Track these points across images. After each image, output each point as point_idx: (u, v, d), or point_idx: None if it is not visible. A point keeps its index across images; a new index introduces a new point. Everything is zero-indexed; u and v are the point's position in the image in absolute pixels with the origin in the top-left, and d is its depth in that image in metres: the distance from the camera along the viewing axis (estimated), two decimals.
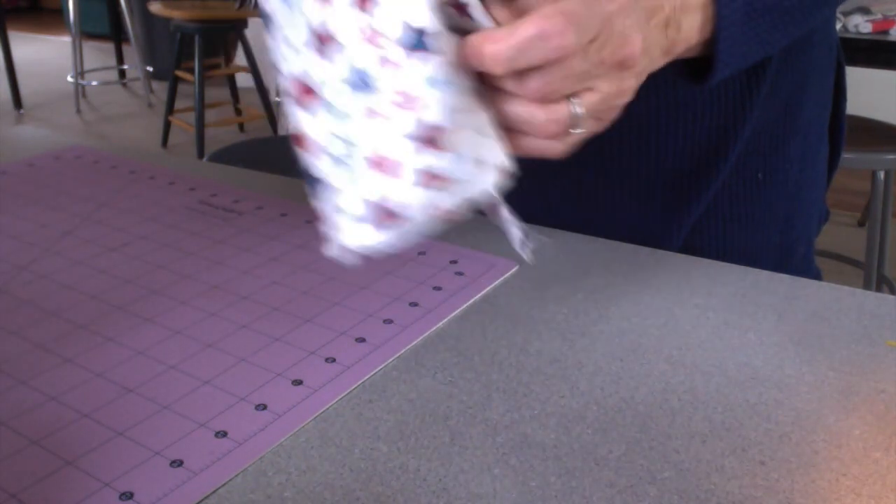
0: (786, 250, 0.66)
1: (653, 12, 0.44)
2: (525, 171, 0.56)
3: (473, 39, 0.37)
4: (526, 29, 0.36)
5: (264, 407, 0.41)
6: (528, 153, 0.41)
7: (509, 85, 0.38)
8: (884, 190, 1.90)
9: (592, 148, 0.59)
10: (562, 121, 0.40)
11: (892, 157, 1.77)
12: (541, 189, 0.63)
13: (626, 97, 0.42)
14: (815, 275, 0.69)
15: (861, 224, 2.77)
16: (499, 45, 0.37)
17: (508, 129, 0.40)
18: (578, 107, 0.40)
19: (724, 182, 0.61)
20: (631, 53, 0.39)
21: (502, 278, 0.54)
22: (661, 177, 0.60)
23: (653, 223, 0.61)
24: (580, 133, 0.41)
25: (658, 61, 0.45)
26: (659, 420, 0.40)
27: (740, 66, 0.51)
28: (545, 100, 0.39)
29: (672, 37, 0.46)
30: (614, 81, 0.40)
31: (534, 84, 0.38)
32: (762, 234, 0.64)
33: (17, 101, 4.35)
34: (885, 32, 1.89)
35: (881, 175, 1.88)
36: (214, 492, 0.36)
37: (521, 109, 0.39)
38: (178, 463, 0.37)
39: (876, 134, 1.87)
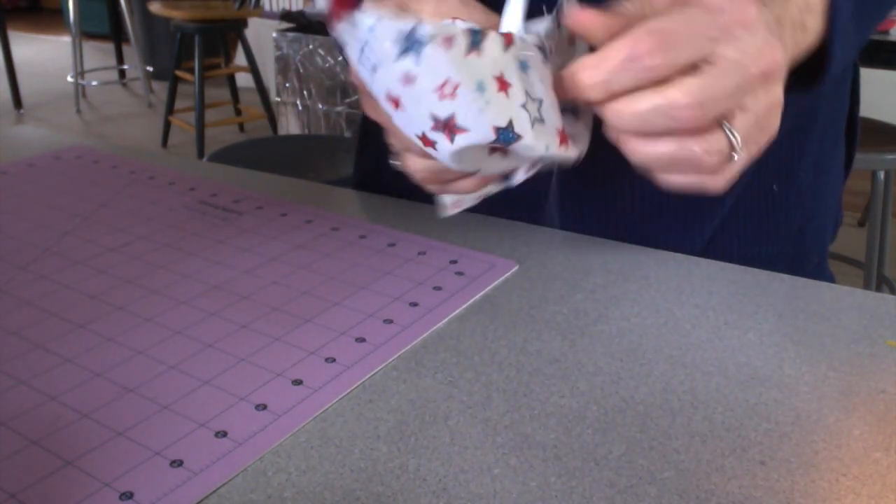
0: (798, 260, 0.64)
1: (782, 14, 0.42)
2: (542, 185, 0.56)
3: (568, 71, 0.38)
4: (616, 53, 0.37)
5: (264, 407, 0.41)
6: (687, 189, 0.41)
7: (659, 121, 0.38)
8: (884, 190, 1.90)
9: (608, 164, 0.59)
10: (720, 150, 0.39)
11: (892, 157, 1.77)
12: (553, 203, 0.62)
13: (777, 111, 0.40)
14: (829, 282, 0.68)
15: (861, 224, 2.77)
16: (591, 71, 0.37)
17: (667, 169, 0.40)
18: (733, 132, 0.39)
19: (738, 196, 0.60)
20: (773, 62, 0.38)
21: (502, 278, 0.54)
22: (675, 194, 0.60)
23: (667, 239, 0.60)
24: (739, 161, 0.40)
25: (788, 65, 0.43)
26: (659, 420, 0.40)
27: (846, 63, 0.48)
28: (699, 130, 0.38)
29: (799, 39, 0.43)
30: (761, 95, 0.39)
31: (685, 113, 0.37)
32: (776, 246, 0.63)
33: (17, 101, 4.35)
34: (885, 32, 1.89)
35: (881, 175, 1.88)
36: (214, 492, 0.36)
37: (676, 147, 0.39)
38: (178, 463, 0.37)
39: (876, 134, 1.87)
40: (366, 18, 0.39)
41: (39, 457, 0.38)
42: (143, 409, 0.41)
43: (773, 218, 0.62)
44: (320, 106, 3.23)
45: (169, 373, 0.44)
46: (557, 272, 0.55)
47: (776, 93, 0.40)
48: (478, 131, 0.39)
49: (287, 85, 3.28)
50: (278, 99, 3.35)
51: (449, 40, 0.38)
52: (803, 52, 0.45)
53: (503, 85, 0.39)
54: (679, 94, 0.37)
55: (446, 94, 0.39)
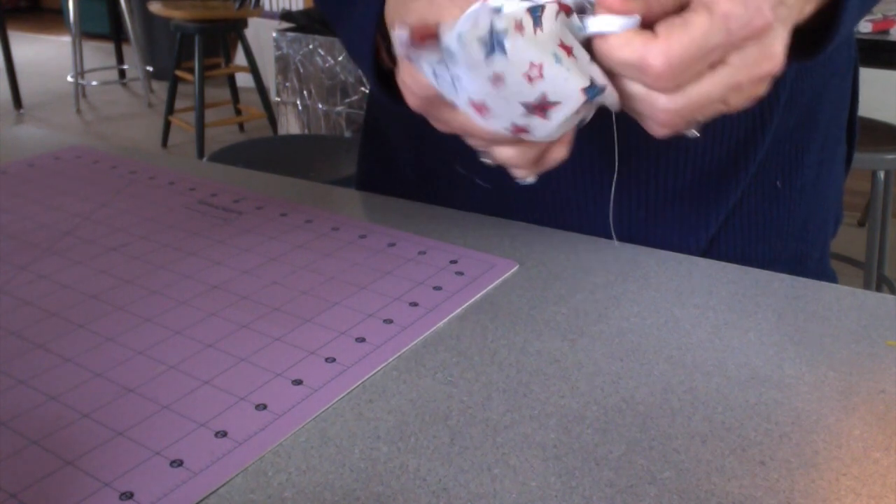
0: (800, 256, 0.64)
1: None
2: (544, 180, 0.56)
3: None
4: (629, 52, 0.38)
5: (264, 407, 0.41)
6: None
7: (639, 88, 0.39)
8: (884, 190, 1.90)
9: (611, 161, 0.59)
10: (686, 121, 0.40)
11: (892, 157, 1.77)
12: (559, 198, 0.62)
13: (765, 82, 0.40)
14: (830, 279, 0.68)
15: (861, 224, 2.77)
16: (605, 49, 0.39)
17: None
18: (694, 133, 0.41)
19: (742, 192, 0.60)
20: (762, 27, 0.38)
21: (502, 278, 0.54)
22: (680, 190, 0.59)
23: (671, 236, 0.61)
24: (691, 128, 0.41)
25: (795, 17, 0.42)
26: (659, 420, 0.40)
27: (848, 33, 0.49)
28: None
29: (804, 8, 0.43)
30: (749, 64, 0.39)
31: (661, 103, 0.39)
32: (779, 242, 0.63)
33: (17, 101, 4.36)
34: (885, 32, 1.89)
35: (881, 175, 1.88)
36: (214, 492, 0.36)
37: (644, 107, 0.40)
38: (178, 463, 0.37)
39: (876, 134, 1.87)
40: (450, 34, 0.40)
41: (39, 457, 0.38)
42: (143, 409, 0.41)
43: (776, 215, 0.62)
44: (320, 106, 3.23)
45: (169, 373, 0.44)
46: (557, 272, 0.55)
47: (769, 59, 0.40)
48: (569, 100, 0.41)
49: (287, 85, 3.28)
50: (278, 99, 3.35)
51: (520, 26, 0.39)
52: (807, 16, 0.44)
53: (568, 50, 0.40)
54: (665, 101, 0.39)
55: (534, 76, 0.40)
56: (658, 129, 0.41)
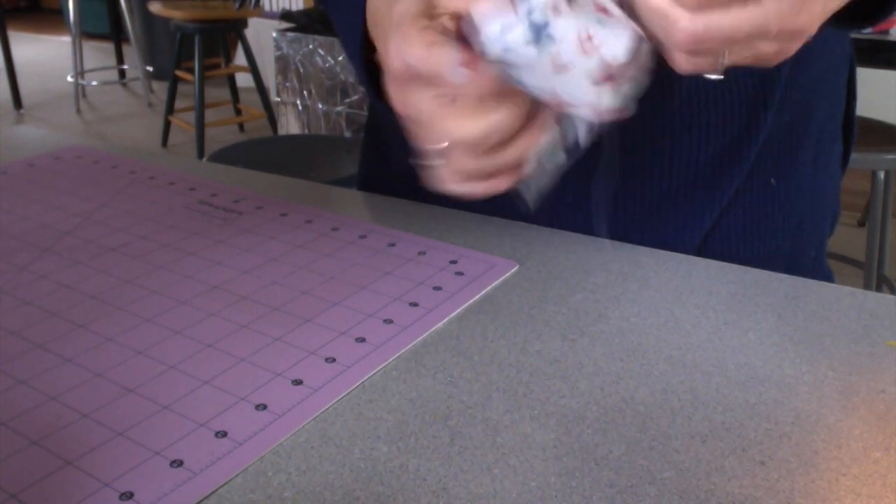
0: (796, 254, 0.64)
1: None
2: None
3: None
4: (658, 3, 0.36)
5: (264, 407, 0.41)
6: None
7: (656, 23, 0.38)
8: (884, 190, 1.90)
9: (605, 157, 0.59)
10: (698, 66, 0.39)
11: (892, 157, 1.77)
12: (553, 195, 0.62)
13: (810, 27, 0.38)
14: (826, 277, 0.68)
15: (861, 224, 2.77)
16: None
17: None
18: (724, 61, 0.39)
19: (737, 189, 0.60)
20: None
21: (502, 278, 0.54)
22: (674, 187, 0.59)
23: (665, 233, 0.61)
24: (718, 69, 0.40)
25: None
26: (659, 420, 0.40)
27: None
28: (690, 51, 0.38)
29: None
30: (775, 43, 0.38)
31: (680, 36, 0.37)
32: (775, 240, 0.63)
33: (17, 101, 4.36)
34: (885, 32, 1.89)
35: (881, 175, 1.88)
36: (214, 492, 0.36)
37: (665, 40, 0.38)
38: (178, 463, 0.37)
39: (876, 134, 1.87)
40: (493, 44, 0.40)
41: (39, 457, 0.38)
42: (143, 409, 0.41)
43: (771, 212, 0.62)
44: (320, 106, 3.23)
45: (169, 373, 0.44)
46: (557, 272, 0.55)
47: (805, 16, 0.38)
48: (628, 51, 0.40)
49: (287, 85, 3.28)
50: (278, 99, 3.35)
51: (556, 8, 0.39)
52: None
53: (604, 10, 0.40)
54: (686, 21, 0.36)
55: (588, 48, 0.40)
56: (679, 58, 0.39)
